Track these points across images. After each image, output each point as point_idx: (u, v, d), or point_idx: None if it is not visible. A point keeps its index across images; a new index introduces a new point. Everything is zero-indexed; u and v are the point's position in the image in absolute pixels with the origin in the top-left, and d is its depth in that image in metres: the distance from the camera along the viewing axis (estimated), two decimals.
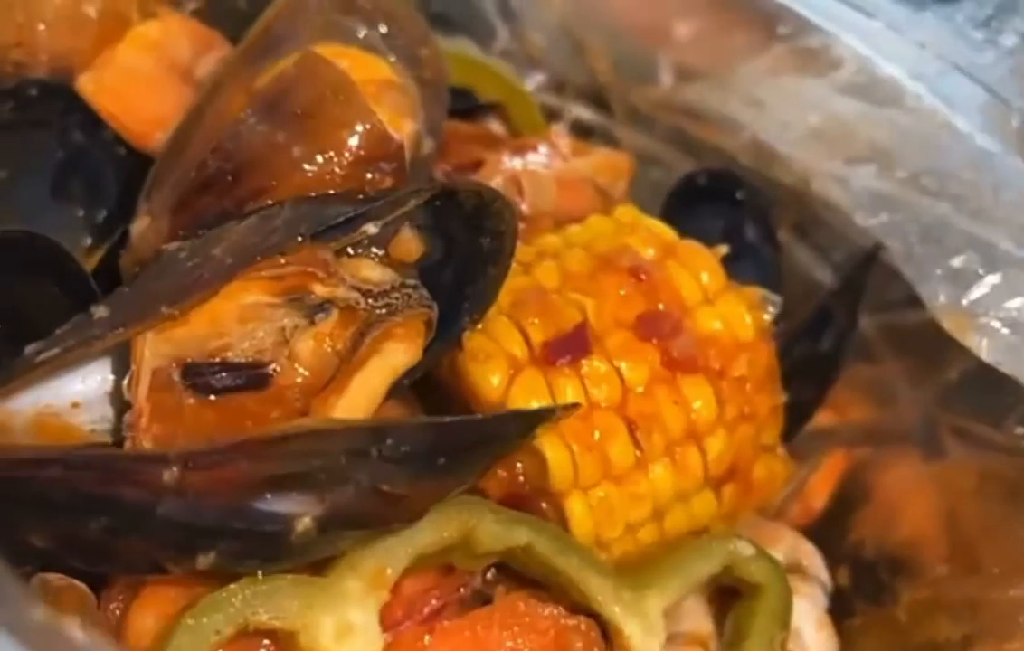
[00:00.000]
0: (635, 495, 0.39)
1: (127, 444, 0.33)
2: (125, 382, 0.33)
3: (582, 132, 0.65)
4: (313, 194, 0.35)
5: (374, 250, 0.35)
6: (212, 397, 0.33)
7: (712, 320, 0.42)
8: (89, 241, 0.48)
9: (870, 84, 0.55)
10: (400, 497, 0.30)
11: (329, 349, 0.34)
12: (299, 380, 0.34)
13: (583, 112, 0.64)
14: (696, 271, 0.43)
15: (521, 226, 0.44)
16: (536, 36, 0.61)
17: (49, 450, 0.32)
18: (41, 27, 0.45)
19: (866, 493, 0.52)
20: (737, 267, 0.48)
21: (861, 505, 0.52)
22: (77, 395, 0.34)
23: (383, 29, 0.45)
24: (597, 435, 0.38)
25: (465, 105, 0.54)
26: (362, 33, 0.45)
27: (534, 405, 0.36)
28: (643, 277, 0.41)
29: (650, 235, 0.44)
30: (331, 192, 0.36)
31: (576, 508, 0.38)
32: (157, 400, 0.33)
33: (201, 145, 0.40)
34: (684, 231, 0.48)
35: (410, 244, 0.35)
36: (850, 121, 0.54)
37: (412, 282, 0.35)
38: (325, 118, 0.36)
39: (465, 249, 0.36)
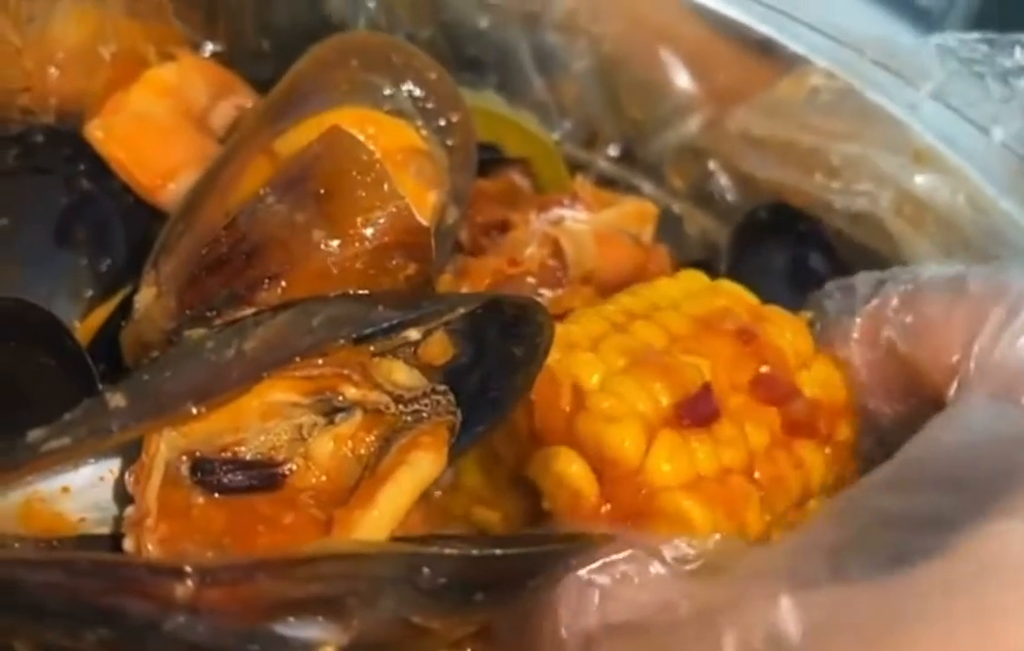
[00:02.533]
0: None
1: (127, 542, 0.31)
2: (129, 475, 0.30)
3: (605, 183, 0.64)
4: (355, 291, 0.33)
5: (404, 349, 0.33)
6: (222, 496, 0.31)
7: (813, 384, 0.41)
8: (91, 292, 0.46)
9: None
10: (429, 630, 0.28)
11: (349, 453, 0.32)
12: (314, 482, 0.32)
13: (607, 164, 0.63)
14: (789, 335, 0.42)
15: (559, 292, 0.44)
16: (569, 85, 0.59)
17: (51, 555, 0.29)
18: (52, 70, 0.43)
19: None
20: (807, 297, 0.48)
21: None
22: (68, 480, 0.32)
23: (413, 91, 0.43)
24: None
25: (490, 157, 0.52)
26: (391, 94, 0.43)
27: (665, 469, 0.34)
28: (749, 340, 0.40)
29: (738, 298, 0.43)
30: (373, 292, 0.33)
31: None
32: (165, 496, 0.31)
33: (215, 214, 0.37)
34: (752, 265, 0.51)
35: (443, 348, 0.33)
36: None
37: (442, 388, 0.33)
38: (349, 200, 0.34)
39: (496, 356, 0.34)
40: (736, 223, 0.54)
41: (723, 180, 0.59)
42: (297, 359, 0.30)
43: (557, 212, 0.46)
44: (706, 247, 0.63)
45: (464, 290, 0.41)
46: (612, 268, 0.45)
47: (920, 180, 0.53)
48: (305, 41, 0.56)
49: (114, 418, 0.29)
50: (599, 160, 0.63)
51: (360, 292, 0.33)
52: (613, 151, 0.62)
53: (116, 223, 0.47)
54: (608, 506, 0.36)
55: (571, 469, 0.36)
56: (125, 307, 0.39)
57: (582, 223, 0.45)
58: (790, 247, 0.54)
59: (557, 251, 0.44)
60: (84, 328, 0.43)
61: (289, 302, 0.33)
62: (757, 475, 0.38)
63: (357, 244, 0.34)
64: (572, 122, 0.60)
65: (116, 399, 0.29)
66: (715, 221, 0.62)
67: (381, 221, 0.34)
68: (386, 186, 0.34)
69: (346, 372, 0.31)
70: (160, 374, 0.31)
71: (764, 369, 0.40)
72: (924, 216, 0.53)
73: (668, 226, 0.62)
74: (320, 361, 0.31)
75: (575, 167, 0.63)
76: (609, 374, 0.37)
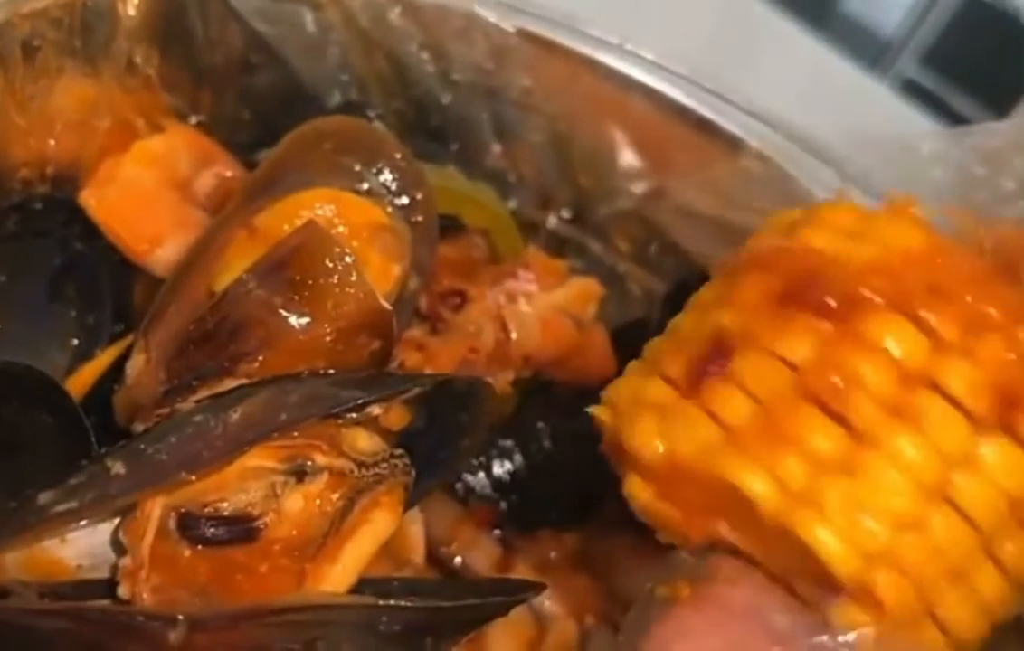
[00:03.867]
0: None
1: (122, 589, 0.35)
2: (124, 529, 0.35)
3: (558, 242, 0.69)
4: (326, 371, 0.38)
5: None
6: (206, 548, 0.36)
7: None
8: (76, 342, 0.51)
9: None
10: None
11: (317, 509, 0.37)
12: (286, 535, 0.37)
13: (559, 224, 0.69)
14: None
15: (504, 373, 0.49)
16: (525, 154, 0.65)
17: (59, 605, 0.33)
18: (51, 142, 0.47)
19: None
20: None
21: None
22: (67, 531, 0.36)
23: (381, 171, 0.47)
24: None
25: (450, 225, 0.57)
26: (361, 173, 0.47)
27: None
28: None
29: None
30: (342, 371, 0.38)
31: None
32: (155, 548, 0.35)
33: (199, 287, 0.42)
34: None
35: (400, 416, 0.38)
36: None
37: (399, 452, 0.38)
38: (321, 286, 0.38)
39: (446, 422, 0.39)
40: (665, 291, 0.60)
41: (662, 245, 0.65)
42: (275, 433, 0.35)
43: (510, 284, 0.51)
44: (648, 304, 0.69)
45: (429, 369, 0.46)
46: (551, 349, 0.51)
47: None
48: (283, 110, 0.61)
49: (116, 484, 0.34)
50: (552, 220, 0.69)
51: (331, 371, 0.38)
52: (565, 213, 0.67)
53: (103, 280, 0.52)
54: None
55: None
56: (117, 367, 0.43)
57: (528, 305, 0.50)
58: None
59: (506, 330, 0.49)
60: (76, 380, 0.47)
61: (267, 379, 0.38)
62: None
63: (327, 325, 0.39)
64: (527, 188, 0.65)
65: (117, 467, 0.34)
66: (657, 281, 0.68)
67: (349, 306, 0.39)
68: (354, 275, 0.39)
69: (316, 443, 0.36)
70: (155, 444, 0.35)
71: None
72: None
73: (613, 283, 0.68)
74: (295, 434, 0.36)
75: (530, 226, 0.68)
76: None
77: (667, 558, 0.41)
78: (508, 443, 0.57)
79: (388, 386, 0.38)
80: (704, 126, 0.64)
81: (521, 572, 0.56)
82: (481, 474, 0.57)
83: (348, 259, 0.39)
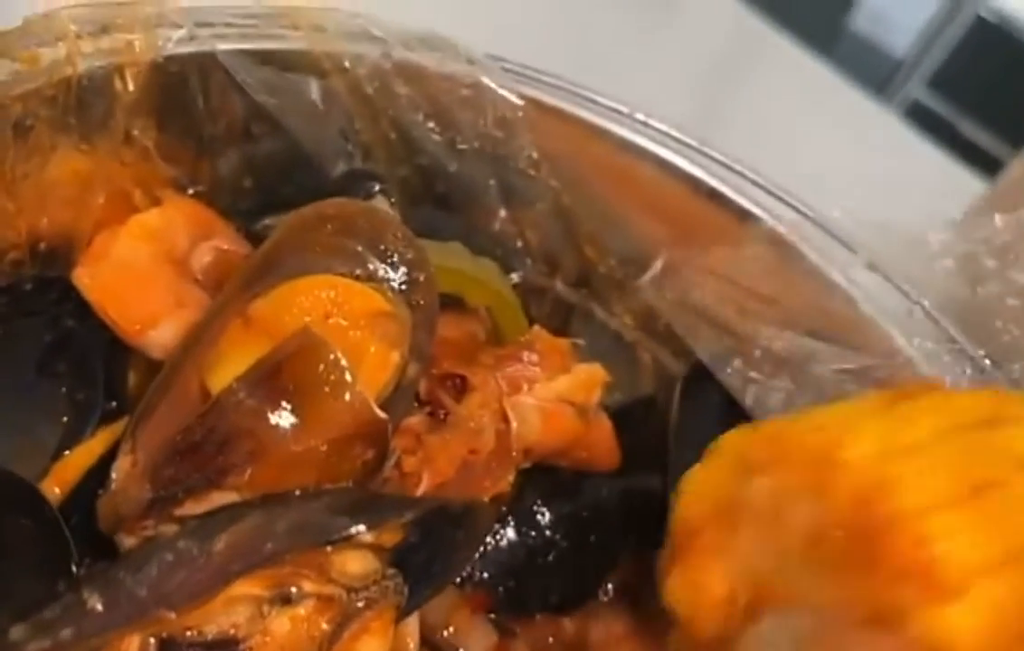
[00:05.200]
0: None
1: None
2: None
3: (564, 310, 0.68)
4: (316, 488, 0.37)
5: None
6: None
7: None
8: (67, 418, 0.50)
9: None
10: None
11: (304, 633, 0.35)
12: None
13: (566, 291, 0.67)
14: None
15: (500, 473, 0.47)
16: (531, 220, 0.63)
17: None
18: (44, 221, 0.46)
19: None
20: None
21: None
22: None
23: (382, 253, 0.46)
24: None
25: (451, 303, 0.56)
26: (362, 256, 0.46)
27: None
28: None
29: None
30: (334, 495, 0.37)
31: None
32: None
33: (190, 382, 0.40)
34: (694, 403, 0.54)
35: (393, 535, 0.37)
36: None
37: (391, 572, 0.37)
38: (315, 396, 0.37)
39: (440, 538, 0.38)
40: (685, 372, 0.59)
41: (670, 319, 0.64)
42: (261, 564, 0.34)
43: (513, 369, 0.50)
44: (658, 376, 0.67)
45: (427, 473, 0.44)
46: (552, 441, 0.49)
47: None
48: (285, 178, 0.60)
49: (93, 622, 0.32)
50: (557, 286, 0.67)
51: (322, 490, 0.37)
52: (571, 280, 0.66)
53: (95, 357, 0.50)
54: None
55: None
56: (103, 466, 0.42)
57: (532, 391, 0.49)
58: (721, 391, 0.58)
59: (507, 420, 0.48)
60: (62, 471, 0.46)
61: (255, 502, 0.36)
62: None
63: (320, 436, 0.38)
64: (533, 255, 0.64)
65: (94, 601, 0.33)
66: (667, 354, 0.67)
67: (343, 416, 0.37)
68: (349, 384, 0.38)
69: (304, 571, 0.35)
70: (135, 574, 0.34)
71: None
72: None
73: (620, 352, 0.66)
74: (281, 564, 0.34)
75: (535, 293, 0.67)
76: None
77: None
78: (506, 527, 0.55)
79: (381, 513, 0.36)
80: (714, 198, 0.63)
81: None
82: (478, 558, 0.56)
83: (343, 366, 0.37)
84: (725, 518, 0.38)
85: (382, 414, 0.39)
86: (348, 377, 0.37)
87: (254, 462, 0.37)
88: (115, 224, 0.50)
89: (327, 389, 0.37)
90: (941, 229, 0.57)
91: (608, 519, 0.59)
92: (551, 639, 0.57)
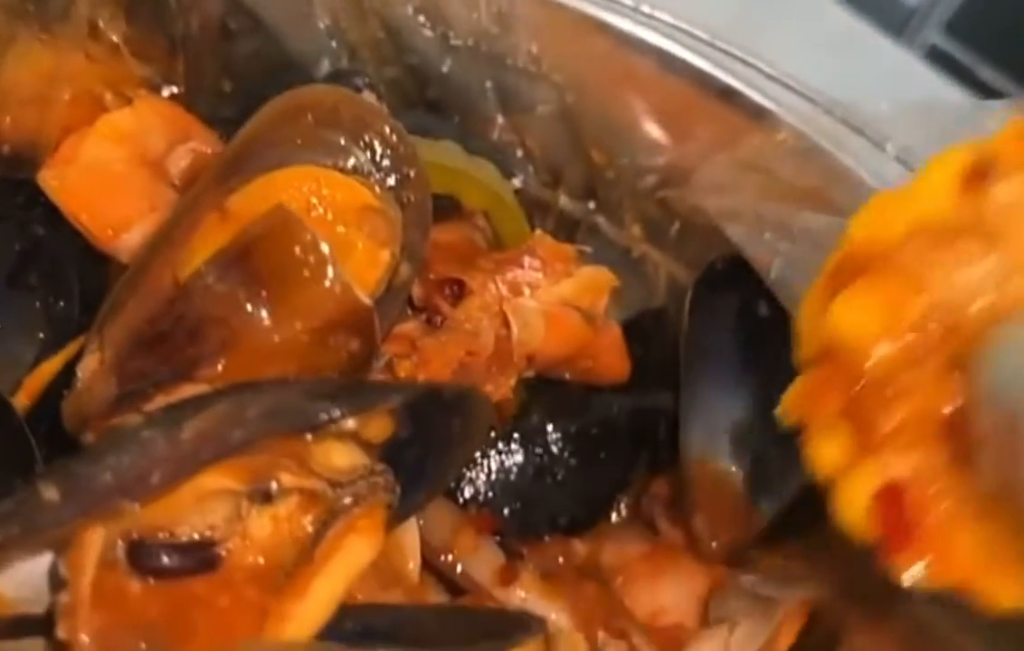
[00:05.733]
0: None
1: (59, 631, 0.30)
2: (63, 564, 0.31)
3: (568, 224, 0.65)
4: (291, 379, 0.34)
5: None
6: (159, 581, 0.32)
7: None
8: (43, 334, 0.46)
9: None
10: None
11: (287, 533, 0.32)
12: (251, 563, 0.32)
13: (570, 204, 0.64)
14: None
15: (500, 380, 0.44)
16: (532, 126, 0.60)
17: None
18: (7, 120, 0.43)
19: (833, 643, 0.52)
20: (753, 341, 0.52)
21: None
22: (5, 562, 0.32)
23: (368, 146, 0.43)
24: None
25: (446, 207, 0.52)
26: (345, 149, 0.42)
27: None
28: None
29: None
30: (310, 379, 0.34)
31: None
32: (99, 580, 0.31)
33: (162, 276, 0.37)
34: (706, 313, 0.51)
35: (382, 427, 0.34)
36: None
37: (379, 468, 0.34)
38: (291, 280, 0.34)
39: (435, 431, 0.35)
40: (696, 276, 0.54)
41: (684, 227, 0.60)
42: (231, 452, 0.30)
43: (514, 274, 0.46)
44: (669, 291, 0.64)
45: (422, 375, 0.41)
46: (557, 348, 0.46)
47: None
48: (266, 81, 0.56)
49: (47, 514, 0.29)
50: (561, 199, 0.64)
51: (296, 379, 0.34)
52: (576, 192, 0.63)
53: (69, 267, 0.47)
54: None
55: None
56: (71, 368, 0.39)
57: (534, 295, 0.45)
58: (741, 296, 0.54)
59: (507, 325, 0.44)
60: (31, 382, 0.43)
61: (226, 389, 0.33)
62: None
63: (299, 323, 0.34)
64: (535, 164, 0.60)
65: (50, 492, 0.29)
66: (678, 266, 0.63)
67: (323, 301, 0.34)
68: (329, 267, 0.34)
69: (282, 461, 0.31)
70: (94, 465, 0.30)
71: None
72: None
73: (628, 268, 0.63)
74: (257, 451, 0.31)
75: (537, 206, 0.63)
76: None
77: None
78: (511, 445, 0.51)
79: (364, 397, 0.33)
80: (727, 95, 0.58)
81: (526, 582, 0.52)
82: (482, 478, 0.52)
83: (322, 248, 0.34)
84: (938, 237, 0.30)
85: (366, 299, 0.35)
86: (328, 260, 0.34)
87: (227, 353, 0.34)
88: (84, 128, 0.48)
89: (305, 273, 0.34)
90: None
91: (618, 436, 0.55)
92: (561, 561, 0.55)
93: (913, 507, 0.31)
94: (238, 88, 0.52)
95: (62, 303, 0.46)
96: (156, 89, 0.49)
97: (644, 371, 0.57)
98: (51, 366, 0.42)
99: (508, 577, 0.51)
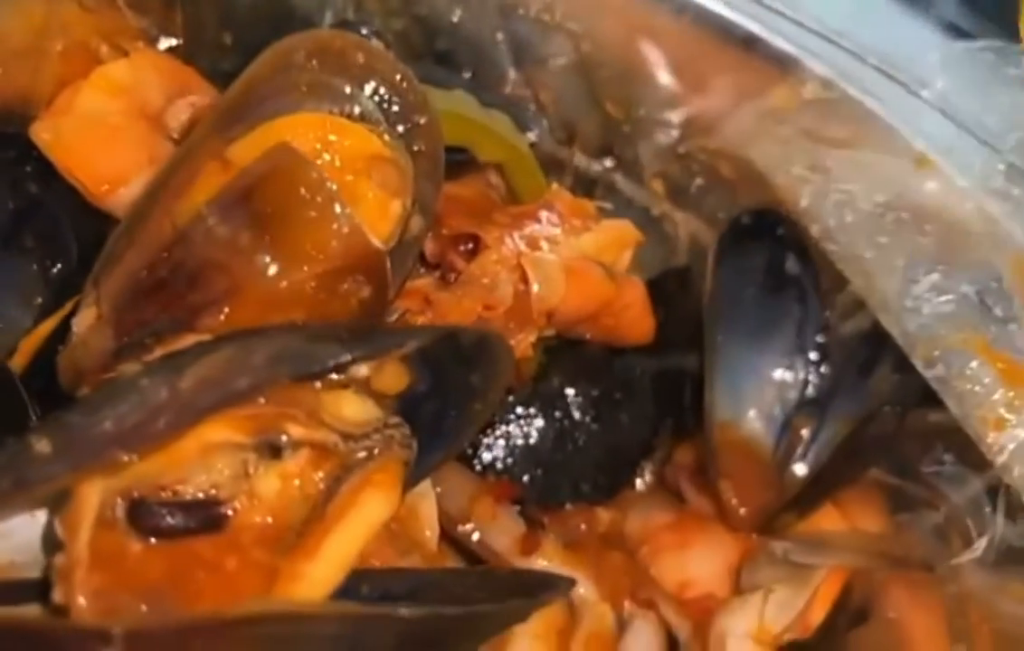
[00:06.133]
0: None
1: (56, 593, 0.29)
2: (59, 523, 0.29)
3: (585, 183, 0.62)
4: (298, 323, 0.31)
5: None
6: (161, 541, 0.30)
7: None
8: (41, 299, 0.44)
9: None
10: None
11: (296, 491, 0.30)
12: (259, 522, 0.30)
13: (586, 162, 0.61)
14: None
15: (520, 336, 0.42)
16: (546, 79, 0.57)
17: None
18: None
19: (869, 611, 0.49)
20: (780, 298, 0.50)
21: (862, 624, 0.49)
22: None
23: (376, 93, 0.40)
24: None
25: (459, 160, 0.50)
26: (353, 96, 0.40)
27: None
28: None
29: None
30: (318, 323, 0.31)
31: None
32: (97, 541, 0.29)
33: (160, 226, 0.35)
34: (732, 269, 0.50)
35: (397, 377, 0.32)
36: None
37: (394, 420, 0.31)
38: (296, 222, 0.32)
39: (453, 384, 0.33)
40: (721, 232, 0.52)
41: (706, 183, 0.58)
42: (236, 400, 0.28)
43: (531, 228, 0.44)
44: (691, 250, 0.61)
45: None
46: (578, 304, 0.43)
47: (926, 186, 0.51)
48: (269, 33, 0.53)
49: (39, 466, 0.27)
50: (577, 156, 0.62)
51: (304, 323, 0.31)
52: (592, 149, 0.60)
53: (66, 227, 0.45)
54: None
55: None
56: (67, 325, 0.37)
57: (554, 249, 0.43)
58: (767, 252, 0.53)
59: (526, 280, 0.42)
60: (28, 340, 0.41)
61: (229, 335, 0.31)
62: None
63: (306, 268, 0.32)
64: (549, 119, 0.58)
65: (41, 445, 0.27)
66: (699, 223, 0.61)
67: (331, 244, 0.32)
68: (337, 207, 0.32)
69: (290, 411, 0.29)
70: (89, 416, 0.28)
71: None
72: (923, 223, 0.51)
73: (648, 227, 0.60)
74: (261, 401, 0.29)
75: (552, 163, 0.61)
76: None
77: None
78: (530, 409, 0.49)
79: (377, 341, 0.31)
80: (750, 43, 0.56)
81: (547, 551, 0.50)
82: (501, 444, 0.50)
83: (329, 186, 0.32)
84: None
85: (377, 242, 0.33)
86: (335, 198, 0.32)
87: (230, 300, 0.32)
88: (79, 80, 0.46)
89: (311, 213, 0.32)
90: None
91: (642, 400, 0.53)
92: (584, 529, 0.53)
93: None
94: (239, 40, 0.50)
95: (59, 265, 0.44)
96: (153, 41, 0.47)
97: (668, 332, 0.55)
98: (47, 325, 0.41)
99: (529, 546, 0.49)
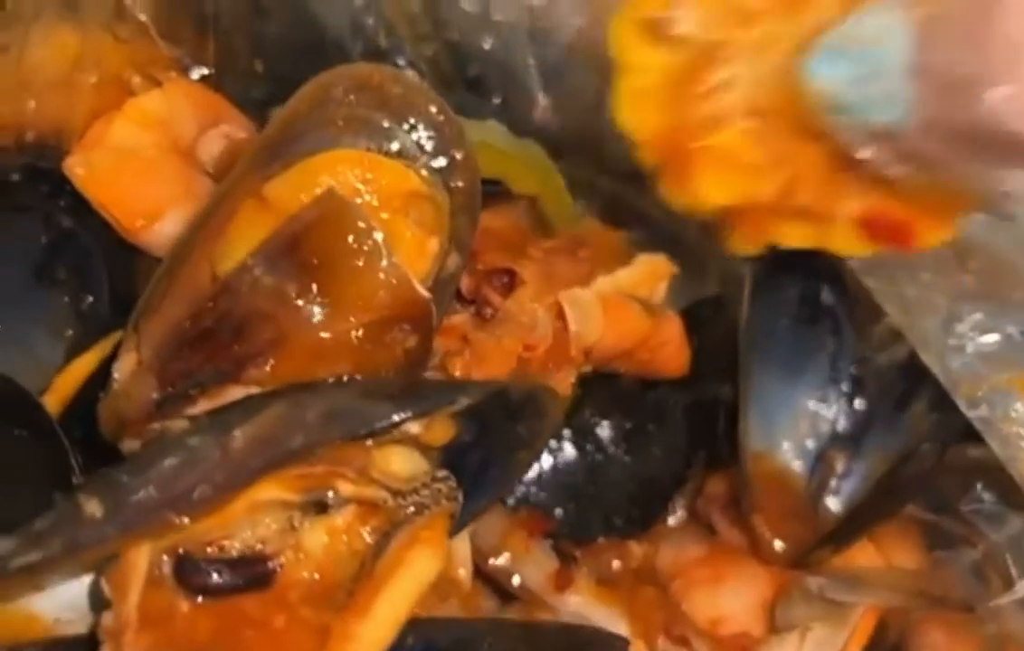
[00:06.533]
0: None
1: None
2: (107, 581, 0.28)
3: (613, 206, 0.62)
4: (351, 377, 0.31)
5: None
6: (208, 598, 0.29)
7: None
8: (71, 332, 0.44)
9: None
10: None
11: (344, 546, 0.30)
12: (307, 578, 0.30)
13: (617, 186, 0.61)
14: None
15: (558, 375, 0.42)
16: (577, 104, 0.57)
17: None
18: (31, 105, 0.40)
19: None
20: (815, 329, 0.49)
21: None
22: (42, 580, 0.30)
23: (414, 127, 0.40)
24: None
25: (493, 192, 0.50)
26: (390, 130, 0.39)
27: None
28: None
29: None
30: (370, 379, 0.31)
31: None
32: (145, 600, 0.29)
33: (200, 269, 0.34)
34: (766, 301, 0.49)
35: (444, 430, 0.31)
36: None
37: (442, 474, 0.31)
38: (344, 271, 0.31)
39: (499, 434, 0.32)
40: (755, 261, 0.51)
41: None
42: (287, 461, 0.28)
43: (565, 263, 0.44)
44: (724, 278, 0.61)
45: (478, 375, 0.38)
46: (614, 340, 0.42)
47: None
48: (300, 61, 0.54)
49: (90, 530, 0.27)
50: (606, 181, 0.61)
51: (356, 378, 0.31)
52: (621, 174, 0.60)
53: (98, 260, 0.45)
54: None
55: None
56: (105, 368, 0.37)
57: (589, 285, 0.42)
58: (802, 282, 0.52)
59: (563, 317, 0.41)
60: (63, 380, 0.40)
61: (279, 391, 0.31)
62: None
63: (353, 318, 0.32)
64: (578, 145, 0.58)
65: (92, 506, 0.27)
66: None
67: (379, 294, 0.31)
68: (384, 256, 0.32)
69: (340, 470, 0.29)
70: (138, 476, 0.28)
71: None
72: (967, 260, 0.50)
73: (680, 255, 0.60)
74: (313, 459, 0.29)
75: (581, 189, 0.61)
76: None
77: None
78: (562, 442, 0.49)
79: (429, 399, 0.31)
80: None
81: (581, 587, 0.50)
82: (533, 477, 0.50)
83: (376, 236, 0.31)
84: None
85: (424, 291, 0.33)
86: (382, 247, 0.31)
87: (276, 351, 0.31)
88: (111, 111, 0.45)
89: (358, 262, 0.31)
90: None
91: (675, 431, 0.52)
92: (616, 564, 0.52)
93: None
94: (270, 68, 0.50)
95: (91, 298, 0.44)
96: (186, 71, 0.47)
97: (702, 362, 0.54)
98: (83, 365, 0.40)
99: (563, 583, 0.49)
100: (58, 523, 0.27)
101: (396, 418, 0.29)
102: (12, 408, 0.34)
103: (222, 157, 0.47)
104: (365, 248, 0.31)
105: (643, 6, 0.38)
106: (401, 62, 0.54)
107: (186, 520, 0.27)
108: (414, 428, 0.30)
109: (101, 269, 0.44)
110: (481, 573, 0.48)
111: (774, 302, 0.55)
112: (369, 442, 0.30)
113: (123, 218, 0.41)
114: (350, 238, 0.31)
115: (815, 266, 0.55)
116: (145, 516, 0.27)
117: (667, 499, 0.54)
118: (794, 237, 0.41)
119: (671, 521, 0.55)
